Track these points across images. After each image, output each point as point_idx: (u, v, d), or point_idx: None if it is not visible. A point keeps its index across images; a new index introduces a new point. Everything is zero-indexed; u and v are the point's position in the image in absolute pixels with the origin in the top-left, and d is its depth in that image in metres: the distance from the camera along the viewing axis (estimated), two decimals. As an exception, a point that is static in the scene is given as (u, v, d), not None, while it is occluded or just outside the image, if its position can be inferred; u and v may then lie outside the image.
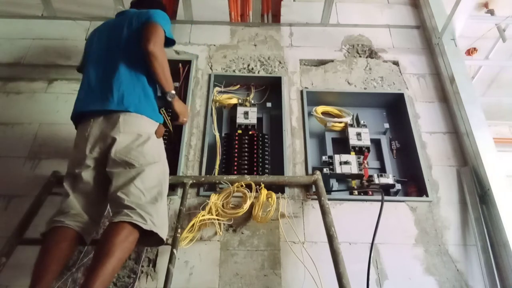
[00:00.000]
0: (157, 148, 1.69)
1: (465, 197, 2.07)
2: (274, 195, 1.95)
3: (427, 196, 2.08)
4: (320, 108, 2.42)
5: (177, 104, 1.84)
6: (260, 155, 2.17)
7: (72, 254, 1.63)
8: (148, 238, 1.51)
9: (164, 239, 1.54)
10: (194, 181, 2.01)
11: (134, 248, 1.84)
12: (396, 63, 2.66)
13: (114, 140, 1.57)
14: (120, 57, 1.74)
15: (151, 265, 1.84)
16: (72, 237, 1.50)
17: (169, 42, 1.83)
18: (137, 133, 1.62)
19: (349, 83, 2.53)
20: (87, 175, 1.60)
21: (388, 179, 2.10)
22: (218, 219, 1.90)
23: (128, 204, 1.47)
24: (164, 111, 2.23)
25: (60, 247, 1.47)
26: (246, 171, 2.12)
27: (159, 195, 1.57)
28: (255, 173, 2.12)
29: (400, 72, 2.61)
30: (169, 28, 1.81)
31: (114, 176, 1.55)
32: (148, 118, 1.68)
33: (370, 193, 2.12)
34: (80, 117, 1.73)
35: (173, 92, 1.78)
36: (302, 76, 2.57)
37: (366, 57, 2.68)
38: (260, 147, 2.20)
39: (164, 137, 2.18)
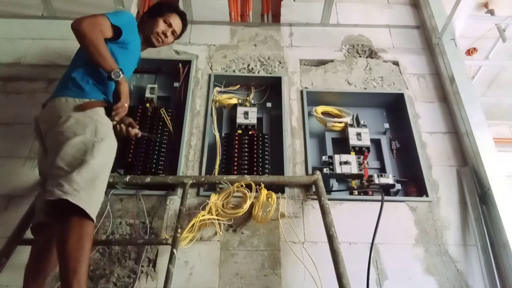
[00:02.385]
0: (81, 122, 1.56)
1: (465, 197, 2.07)
2: (274, 195, 1.95)
3: (427, 196, 2.08)
4: (320, 108, 2.42)
5: (124, 85, 1.72)
6: (260, 155, 2.17)
7: None
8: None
9: (80, 205, 1.36)
10: (194, 181, 2.01)
11: (134, 248, 1.86)
12: (396, 63, 2.66)
13: (42, 129, 1.60)
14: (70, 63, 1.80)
15: (151, 265, 1.84)
16: (50, 230, 1.50)
17: (120, 33, 1.79)
18: (58, 116, 1.57)
19: (349, 83, 2.53)
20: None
21: (388, 179, 2.10)
22: (218, 219, 1.90)
23: (48, 188, 1.39)
24: (164, 111, 2.24)
25: (43, 245, 1.48)
26: (246, 171, 2.12)
27: (80, 164, 1.44)
28: (255, 173, 2.11)
29: (400, 72, 2.61)
30: (117, 17, 1.78)
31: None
32: (72, 99, 1.61)
33: (370, 193, 2.12)
34: None
35: (118, 70, 1.67)
36: (302, 76, 2.57)
37: (366, 57, 2.68)
38: (260, 147, 2.20)
39: (164, 137, 2.19)
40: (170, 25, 2.02)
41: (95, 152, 1.50)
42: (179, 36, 2.13)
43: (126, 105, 1.72)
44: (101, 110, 1.66)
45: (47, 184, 1.42)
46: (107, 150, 1.57)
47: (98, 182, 1.48)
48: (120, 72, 1.68)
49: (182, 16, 2.10)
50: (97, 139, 1.54)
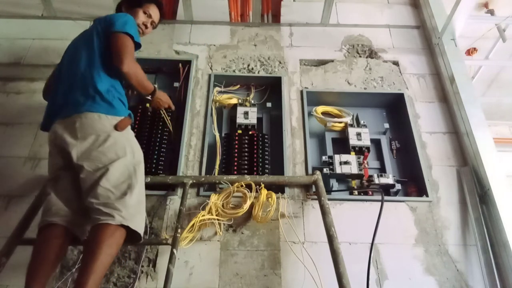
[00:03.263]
0: (120, 143, 1.62)
1: (465, 197, 2.07)
2: (274, 195, 1.95)
3: (427, 196, 2.08)
4: (320, 108, 2.42)
5: (154, 102, 2.05)
6: (260, 155, 2.17)
7: (64, 250, 1.60)
8: (132, 235, 1.49)
9: (138, 230, 1.49)
10: (194, 181, 2.01)
11: (134, 248, 1.86)
12: (396, 63, 2.66)
13: (73, 146, 1.56)
14: (81, 63, 1.74)
15: (151, 265, 1.84)
16: (59, 233, 1.51)
17: (138, 46, 1.85)
18: (95, 134, 1.59)
19: (349, 83, 2.53)
20: (65, 174, 1.61)
21: (388, 179, 2.10)
22: (218, 219, 1.90)
23: (96, 207, 1.46)
24: (164, 111, 2.24)
25: (49, 246, 1.48)
26: (246, 171, 2.12)
27: (129, 188, 1.53)
28: (255, 173, 2.11)
29: (400, 72, 2.61)
30: (135, 31, 1.81)
31: (82, 181, 1.54)
32: (105, 115, 1.63)
33: (370, 193, 2.12)
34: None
35: (150, 94, 1.95)
36: (302, 76, 2.57)
37: (366, 57, 2.68)
38: (260, 147, 2.20)
39: (164, 137, 2.19)
40: (149, 16, 2.03)
41: (138, 176, 1.60)
42: (156, 26, 2.14)
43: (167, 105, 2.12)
44: (129, 127, 1.73)
45: (94, 203, 1.47)
46: (143, 171, 1.67)
47: (144, 204, 1.61)
48: (152, 95, 1.97)
49: (160, 6, 2.11)
50: (136, 161, 1.64)
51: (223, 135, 2.31)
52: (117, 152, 1.59)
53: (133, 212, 1.50)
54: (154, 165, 2.08)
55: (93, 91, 1.65)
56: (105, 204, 1.46)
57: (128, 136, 1.71)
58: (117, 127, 1.64)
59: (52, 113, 1.72)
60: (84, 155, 1.55)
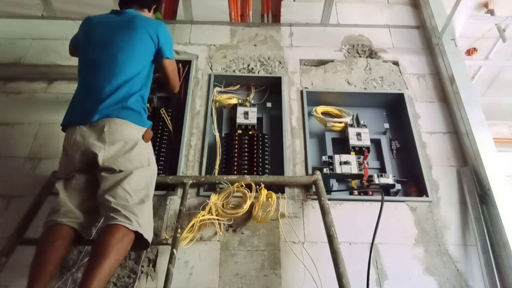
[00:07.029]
0: (145, 152, 1.69)
1: (465, 197, 2.07)
2: (274, 195, 1.95)
3: (427, 196, 2.08)
4: (320, 108, 2.42)
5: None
6: (260, 155, 2.17)
7: (68, 252, 1.61)
8: (137, 242, 1.51)
9: (149, 241, 1.54)
10: (194, 181, 2.01)
11: (134, 248, 1.86)
12: (396, 63, 2.66)
13: (100, 149, 1.58)
14: (114, 64, 1.72)
15: (151, 265, 1.84)
16: (66, 234, 1.51)
17: None
18: (123, 140, 1.62)
19: (349, 83, 2.53)
20: (78, 176, 1.63)
21: (388, 179, 2.10)
22: (218, 219, 1.90)
23: (114, 207, 1.48)
24: (164, 111, 2.24)
25: (55, 246, 1.48)
26: (246, 171, 2.12)
27: (146, 197, 1.59)
28: (255, 173, 2.11)
29: (400, 72, 2.61)
30: (172, 46, 1.94)
31: (102, 180, 1.57)
32: (133, 124, 1.67)
33: (370, 193, 2.12)
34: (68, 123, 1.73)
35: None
36: (302, 76, 2.57)
37: (366, 57, 2.68)
38: (260, 147, 2.20)
39: (164, 137, 2.19)
40: None
41: (153, 186, 1.69)
42: None
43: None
44: None
45: (111, 202, 1.49)
46: (155, 184, 1.72)
47: (152, 215, 1.64)
48: None
49: None
50: (152, 173, 1.70)
51: (223, 135, 2.31)
52: (141, 160, 1.64)
53: (148, 221, 1.55)
54: (154, 165, 2.08)
55: (126, 100, 1.68)
56: (124, 207, 1.49)
57: (150, 147, 1.78)
58: (144, 138, 1.69)
59: (78, 113, 1.69)
60: (111, 159, 1.58)
